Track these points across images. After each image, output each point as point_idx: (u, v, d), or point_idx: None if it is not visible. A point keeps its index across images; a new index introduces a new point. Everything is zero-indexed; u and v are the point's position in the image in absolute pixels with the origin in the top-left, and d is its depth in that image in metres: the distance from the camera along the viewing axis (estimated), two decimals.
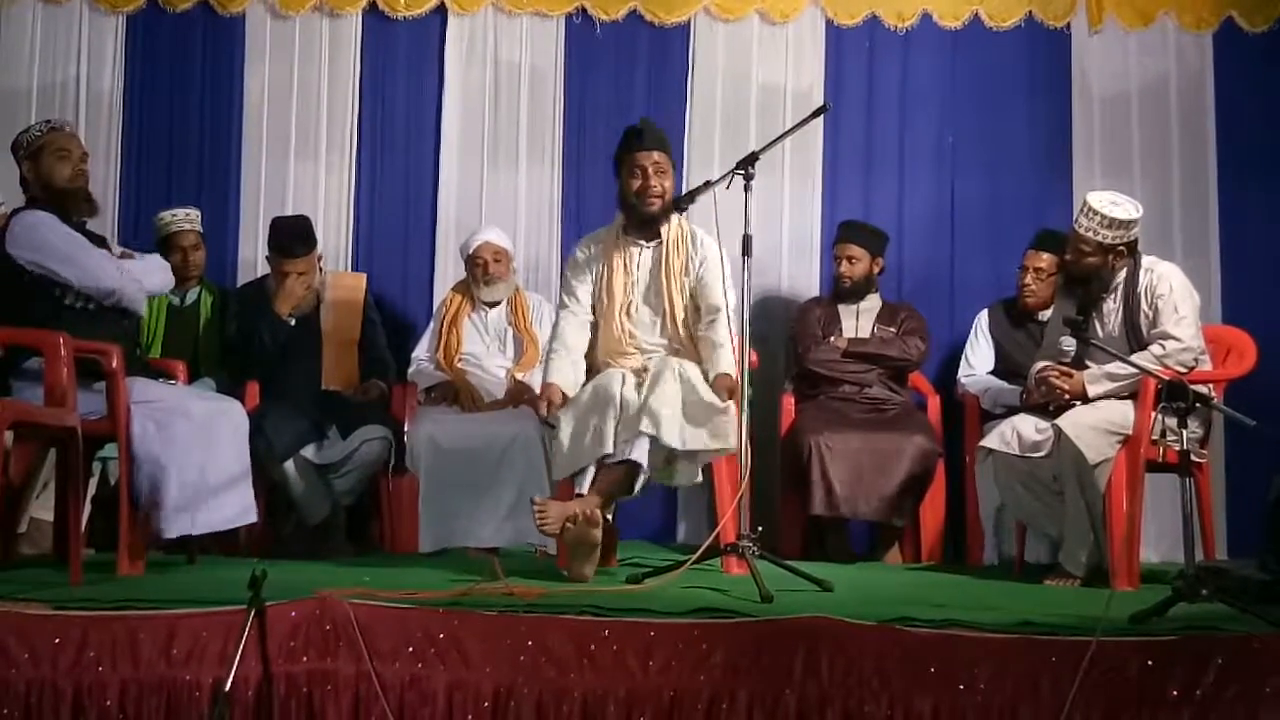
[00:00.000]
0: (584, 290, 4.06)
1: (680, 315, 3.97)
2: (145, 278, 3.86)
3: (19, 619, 2.70)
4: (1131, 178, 5.27)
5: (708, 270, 3.97)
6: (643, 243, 4.04)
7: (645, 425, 3.64)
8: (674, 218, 4.02)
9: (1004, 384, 4.79)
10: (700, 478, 3.85)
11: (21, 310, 3.65)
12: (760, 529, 3.53)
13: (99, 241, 3.89)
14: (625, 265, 4.02)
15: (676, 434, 3.67)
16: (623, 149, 4.01)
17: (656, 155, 3.95)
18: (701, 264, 3.98)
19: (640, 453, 3.67)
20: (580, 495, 3.68)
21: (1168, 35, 5.41)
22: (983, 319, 5.00)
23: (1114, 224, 3.95)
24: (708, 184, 3.80)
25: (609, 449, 3.68)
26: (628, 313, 4.00)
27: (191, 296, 4.95)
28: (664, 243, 4.00)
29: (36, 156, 3.74)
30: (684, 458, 3.75)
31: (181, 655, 2.67)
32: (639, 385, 3.80)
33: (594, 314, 4.06)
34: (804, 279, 5.38)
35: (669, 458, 3.75)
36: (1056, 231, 4.75)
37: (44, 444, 3.66)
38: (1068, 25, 5.41)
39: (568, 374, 3.94)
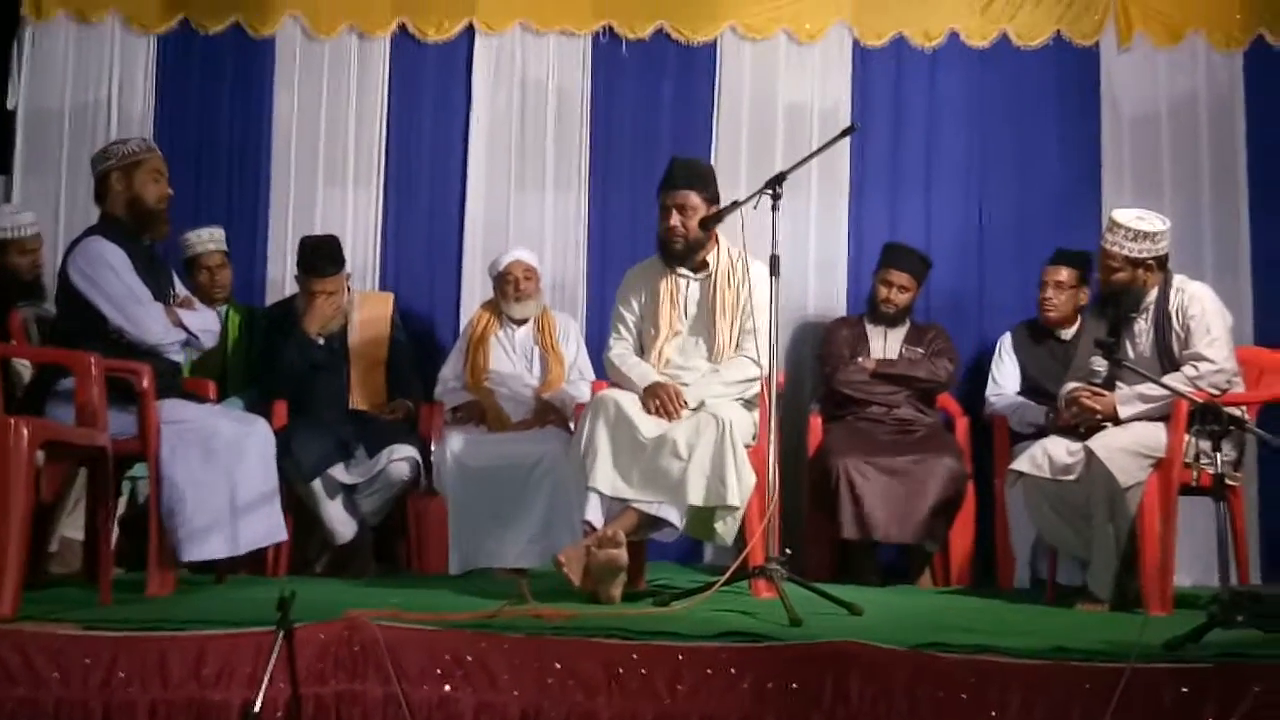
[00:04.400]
0: (632, 320, 4.08)
1: (729, 349, 3.94)
2: (199, 333, 3.87)
3: (49, 639, 2.70)
4: (1161, 196, 5.23)
5: (753, 297, 3.93)
6: (689, 274, 4.02)
7: (691, 493, 3.64)
8: (723, 249, 4.00)
9: (1031, 403, 4.77)
10: (732, 539, 3.79)
11: (71, 322, 3.70)
12: (789, 551, 3.51)
13: (163, 271, 3.91)
14: (672, 296, 4.00)
15: (702, 495, 3.67)
16: (659, 186, 4.01)
17: (681, 195, 3.94)
18: (748, 295, 3.94)
19: (672, 514, 3.68)
20: (587, 522, 3.68)
21: (1197, 53, 5.38)
22: (1006, 340, 4.99)
23: (1139, 236, 3.92)
24: (735, 204, 3.80)
25: (596, 483, 3.67)
26: (673, 343, 3.98)
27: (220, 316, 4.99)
28: (713, 275, 3.99)
29: (131, 171, 3.77)
30: (720, 515, 3.72)
31: (211, 676, 2.67)
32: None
33: (640, 339, 4.07)
34: (831, 299, 5.36)
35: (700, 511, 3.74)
36: (1075, 250, 4.75)
37: (75, 463, 3.68)
38: (1096, 43, 5.39)
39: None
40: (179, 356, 3.93)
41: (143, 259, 3.79)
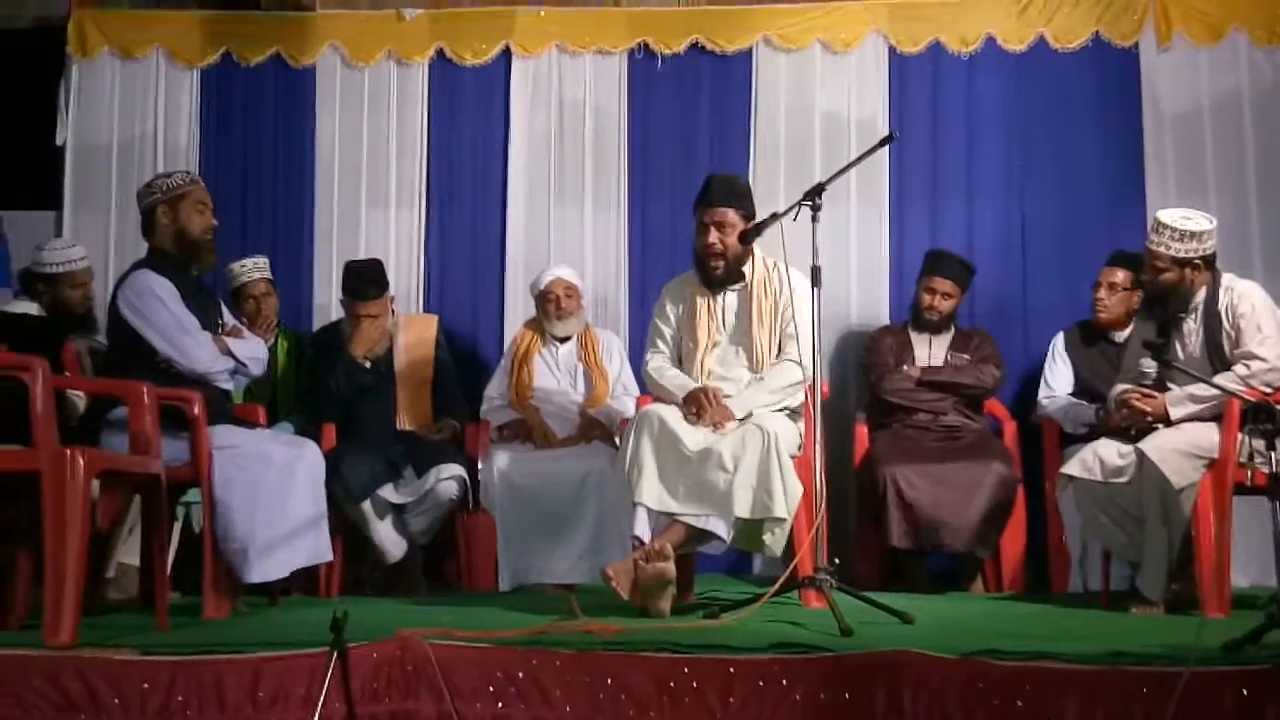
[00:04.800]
0: (669, 333, 4.09)
1: (770, 357, 3.95)
2: (248, 360, 3.92)
3: (108, 664, 2.74)
4: (1206, 195, 5.17)
5: (793, 305, 3.94)
6: (726, 285, 4.03)
7: (738, 505, 3.62)
8: (758, 258, 4.00)
9: (1082, 403, 4.73)
10: (781, 550, 3.77)
11: (122, 353, 3.76)
12: (837, 561, 3.50)
13: (211, 300, 3.98)
14: (709, 308, 4.01)
15: (748, 507, 3.65)
16: (695, 203, 4.02)
17: (719, 212, 3.95)
18: (787, 302, 3.95)
19: (720, 527, 3.67)
20: (635, 536, 3.68)
21: (1239, 50, 5.31)
22: (1059, 341, 4.95)
23: (1185, 236, 3.88)
24: (774, 216, 3.80)
25: (642, 497, 3.66)
26: (713, 354, 3.99)
27: (268, 342, 5.04)
28: (749, 286, 4.00)
29: (176, 204, 3.84)
30: (767, 527, 3.70)
31: (267, 698, 2.69)
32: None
33: (678, 352, 4.07)
34: (874, 307, 5.35)
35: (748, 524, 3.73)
36: (1133, 253, 4.70)
37: (130, 491, 3.74)
38: (1135, 44, 5.34)
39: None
40: (228, 384, 3.98)
41: (190, 290, 3.85)
